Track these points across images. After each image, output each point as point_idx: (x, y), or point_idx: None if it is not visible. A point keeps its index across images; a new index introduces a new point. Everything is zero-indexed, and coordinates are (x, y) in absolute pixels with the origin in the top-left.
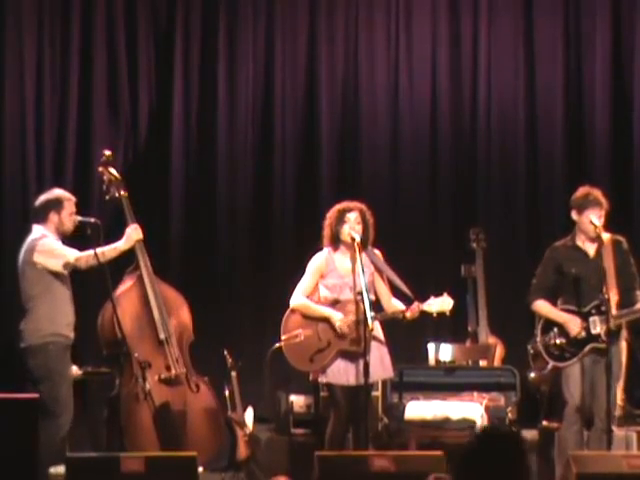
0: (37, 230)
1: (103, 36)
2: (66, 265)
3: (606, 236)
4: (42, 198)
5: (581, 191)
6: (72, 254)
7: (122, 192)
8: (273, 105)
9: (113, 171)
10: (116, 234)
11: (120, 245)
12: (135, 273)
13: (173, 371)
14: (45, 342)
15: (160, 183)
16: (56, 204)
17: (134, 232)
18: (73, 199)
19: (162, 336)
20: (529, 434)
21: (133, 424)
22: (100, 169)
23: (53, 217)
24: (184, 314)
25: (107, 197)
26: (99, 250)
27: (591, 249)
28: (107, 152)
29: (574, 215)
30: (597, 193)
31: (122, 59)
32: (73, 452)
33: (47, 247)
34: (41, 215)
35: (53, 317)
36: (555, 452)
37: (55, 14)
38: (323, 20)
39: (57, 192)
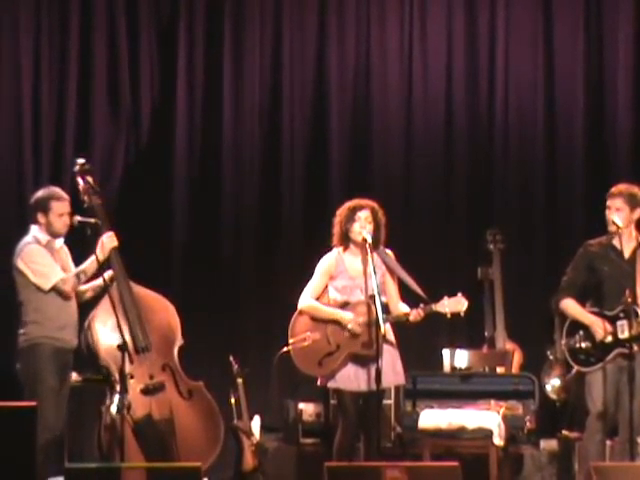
0: (31, 231)
1: (104, 28)
2: (52, 289)
3: None
4: (33, 197)
5: (617, 187)
6: (57, 277)
7: (97, 200)
8: (281, 101)
9: (89, 179)
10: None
11: (97, 257)
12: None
13: (154, 379)
14: (31, 344)
15: (162, 183)
16: (43, 205)
17: (109, 240)
18: (64, 198)
19: (140, 344)
20: (548, 444)
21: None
22: (76, 177)
23: (41, 219)
24: (167, 317)
25: (84, 205)
26: (80, 269)
27: (627, 249)
28: (81, 160)
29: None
30: (636, 190)
31: (123, 53)
32: (72, 463)
33: (33, 259)
34: (32, 216)
35: (40, 322)
36: (576, 463)
37: (53, 8)
38: (333, 13)
39: (46, 192)
